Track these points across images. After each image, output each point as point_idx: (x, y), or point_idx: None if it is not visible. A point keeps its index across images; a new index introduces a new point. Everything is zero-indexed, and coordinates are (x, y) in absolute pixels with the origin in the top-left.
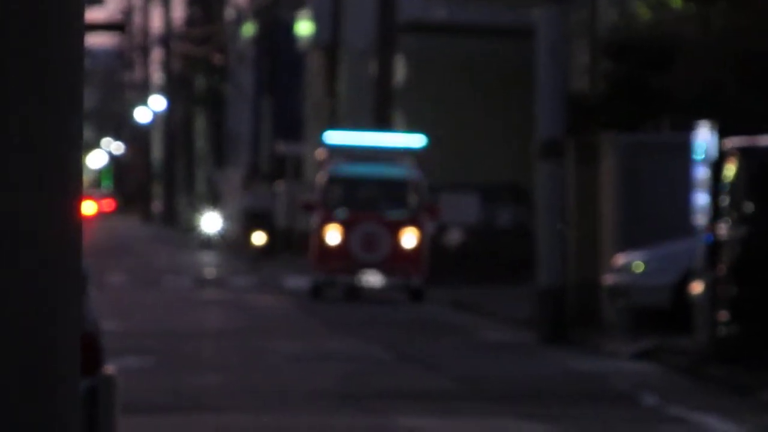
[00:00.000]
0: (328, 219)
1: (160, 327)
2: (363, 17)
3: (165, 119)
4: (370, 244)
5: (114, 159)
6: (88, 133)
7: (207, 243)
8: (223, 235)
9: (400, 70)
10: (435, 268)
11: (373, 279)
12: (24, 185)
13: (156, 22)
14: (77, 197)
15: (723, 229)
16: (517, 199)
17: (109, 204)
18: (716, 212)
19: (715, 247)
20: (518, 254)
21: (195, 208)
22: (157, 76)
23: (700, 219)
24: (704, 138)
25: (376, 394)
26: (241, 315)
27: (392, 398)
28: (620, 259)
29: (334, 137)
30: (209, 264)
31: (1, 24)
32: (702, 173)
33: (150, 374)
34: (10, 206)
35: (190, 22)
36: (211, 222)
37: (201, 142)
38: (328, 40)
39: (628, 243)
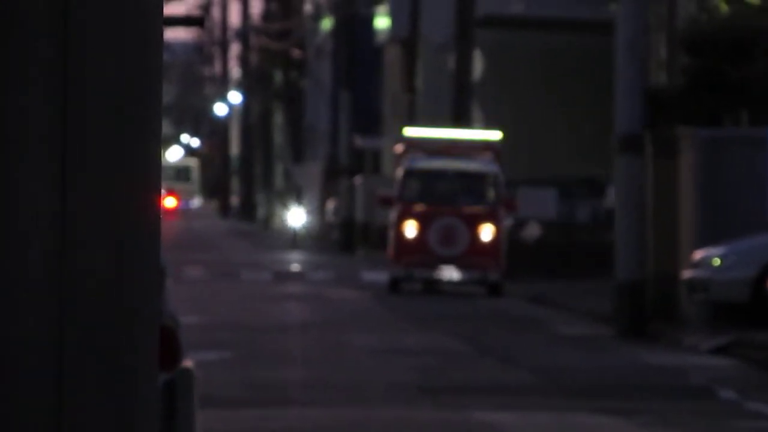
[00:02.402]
0: (406, 213)
1: (239, 321)
2: (440, 11)
3: (243, 114)
4: (448, 238)
5: (192, 153)
6: (166, 128)
7: (294, 240)
8: (307, 229)
9: (477, 65)
10: (513, 263)
11: (450, 273)
12: (103, 179)
13: (234, 16)
14: (156, 191)
15: None
16: (594, 193)
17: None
18: None
19: None
20: (596, 249)
21: (273, 203)
22: (235, 70)
23: None
24: None
25: (454, 388)
26: (319, 309)
27: (469, 392)
28: (699, 253)
29: (412, 131)
30: (288, 259)
31: (79, 18)
32: None
33: (229, 368)
34: (89, 199)
35: (268, 16)
36: (296, 217)
37: (279, 136)
38: (406, 34)
39: (707, 237)
